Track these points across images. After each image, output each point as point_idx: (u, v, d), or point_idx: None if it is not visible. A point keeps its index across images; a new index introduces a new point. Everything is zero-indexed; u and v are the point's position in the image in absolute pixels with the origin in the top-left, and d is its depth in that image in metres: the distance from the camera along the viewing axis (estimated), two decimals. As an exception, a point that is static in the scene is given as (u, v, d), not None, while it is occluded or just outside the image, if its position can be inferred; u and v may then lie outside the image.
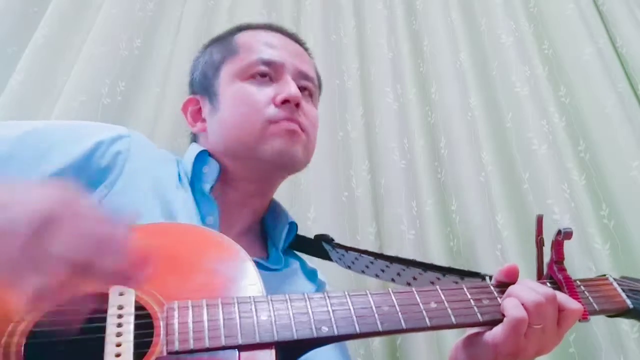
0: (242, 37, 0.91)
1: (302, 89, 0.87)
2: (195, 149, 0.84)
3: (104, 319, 0.52)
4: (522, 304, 0.61)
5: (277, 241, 0.87)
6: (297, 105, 0.83)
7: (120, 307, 0.53)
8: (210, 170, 0.82)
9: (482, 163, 1.28)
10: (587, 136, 1.30)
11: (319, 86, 0.96)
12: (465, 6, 1.58)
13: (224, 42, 0.92)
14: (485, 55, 1.47)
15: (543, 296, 0.61)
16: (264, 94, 0.83)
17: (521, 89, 1.35)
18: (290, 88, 0.83)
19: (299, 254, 0.95)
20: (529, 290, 0.62)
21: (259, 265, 0.78)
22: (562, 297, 0.63)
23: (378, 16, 1.53)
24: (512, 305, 0.61)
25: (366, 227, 1.21)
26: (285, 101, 0.82)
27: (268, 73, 0.85)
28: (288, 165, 0.83)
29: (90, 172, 0.71)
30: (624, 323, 1.04)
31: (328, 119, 1.35)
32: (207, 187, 0.80)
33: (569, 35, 1.42)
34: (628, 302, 0.68)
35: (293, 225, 0.90)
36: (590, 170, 1.26)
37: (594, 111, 1.30)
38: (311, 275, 0.91)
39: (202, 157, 0.83)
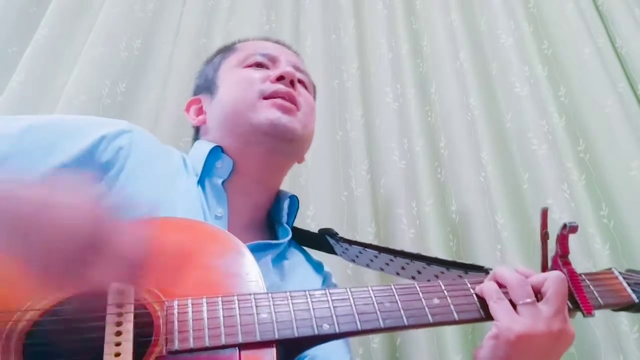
0: (241, 43, 0.97)
1: (298, 80, 0.90)
2: (205, 144, 0.85)
3: (103, 318, 0.52)
4: (504, 280, 0.63)
5: (280, 217, 0.88)
6: (292, 83, 0.86)
7: (120, 306, 0.52)
8: (224, 165, 0.83)
9: (482, 163, 1.28)
10: (587, 136, 1.29)
11: (314, 93, 0.99)
12: (465, 6, 1.58)
13: (224, 49, 0.98)
14: (485, 55, 1.47)
15: (522, 274, 0.63)
16: (260, 74, 0.87)
17: (521, 89, 1.35)
18: (285, 67, 0.87)
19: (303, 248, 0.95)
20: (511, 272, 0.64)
21: (264, 246, 0.79)
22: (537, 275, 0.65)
23: (378, 16, 1.53)
24: (483, 285, 0.63)
25: (366, 227, 1.21)
26: (280, 78, 0.85)
27: (265, 63, 0.90)
28: (284, 133, 0.83)
29: (92, 166, 0.70)
30: (624, 323, 1.04)
31: (327, 118, 1.35)
32: (219, 181, 0.81)
33: (569, 35, 1.42)
34: (633, 296, 0.67)
35: (294, 198, 0.90)
36: (590, 170, 1.26)
37: (594, 111, 1.29)
38: (317, 267, 0.91)
39: (216, 152, 0.83)
